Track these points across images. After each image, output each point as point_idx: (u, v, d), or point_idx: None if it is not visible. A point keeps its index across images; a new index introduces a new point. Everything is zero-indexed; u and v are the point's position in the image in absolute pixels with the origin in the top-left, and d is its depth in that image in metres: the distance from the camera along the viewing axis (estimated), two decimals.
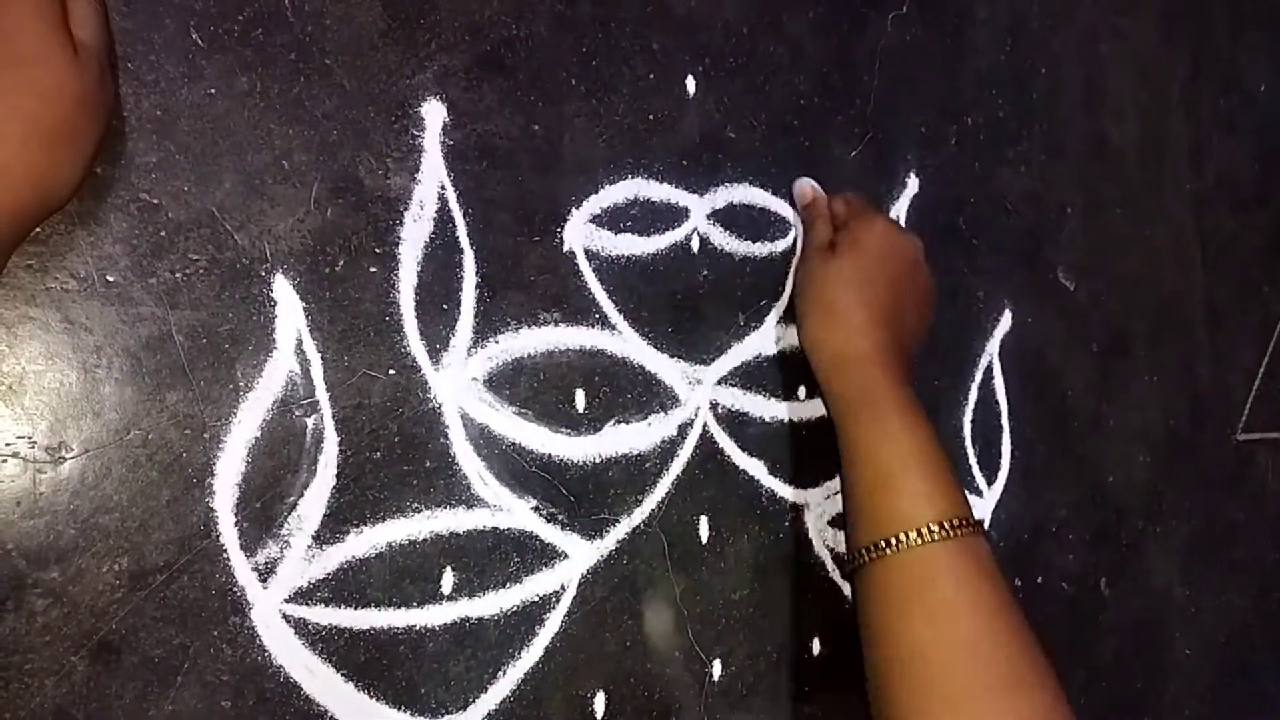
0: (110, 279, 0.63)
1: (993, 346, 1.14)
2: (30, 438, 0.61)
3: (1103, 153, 1.30)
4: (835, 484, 0.98)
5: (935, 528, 0.75)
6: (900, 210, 1.06)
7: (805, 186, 0.95)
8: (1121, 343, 1.29)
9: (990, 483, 1.13)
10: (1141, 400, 1.32)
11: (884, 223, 0.88)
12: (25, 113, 0.53)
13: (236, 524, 0.66)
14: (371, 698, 0.71)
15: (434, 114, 0.75)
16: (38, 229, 0.61)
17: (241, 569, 0.66)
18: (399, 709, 0.72)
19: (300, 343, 0.68)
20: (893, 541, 0.76)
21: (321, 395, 0.69)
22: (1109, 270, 1.29)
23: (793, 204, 0.96)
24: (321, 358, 0.69)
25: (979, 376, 1.12)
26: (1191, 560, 1.36)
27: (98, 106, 0.57)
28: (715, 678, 0.89)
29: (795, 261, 0.95)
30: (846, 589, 0.99)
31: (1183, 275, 1.40)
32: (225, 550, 0.65)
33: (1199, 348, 1.40)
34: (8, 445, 0.60)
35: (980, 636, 0.72)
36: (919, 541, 0.74)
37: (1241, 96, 1.48)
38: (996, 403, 1.14)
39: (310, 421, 0.69)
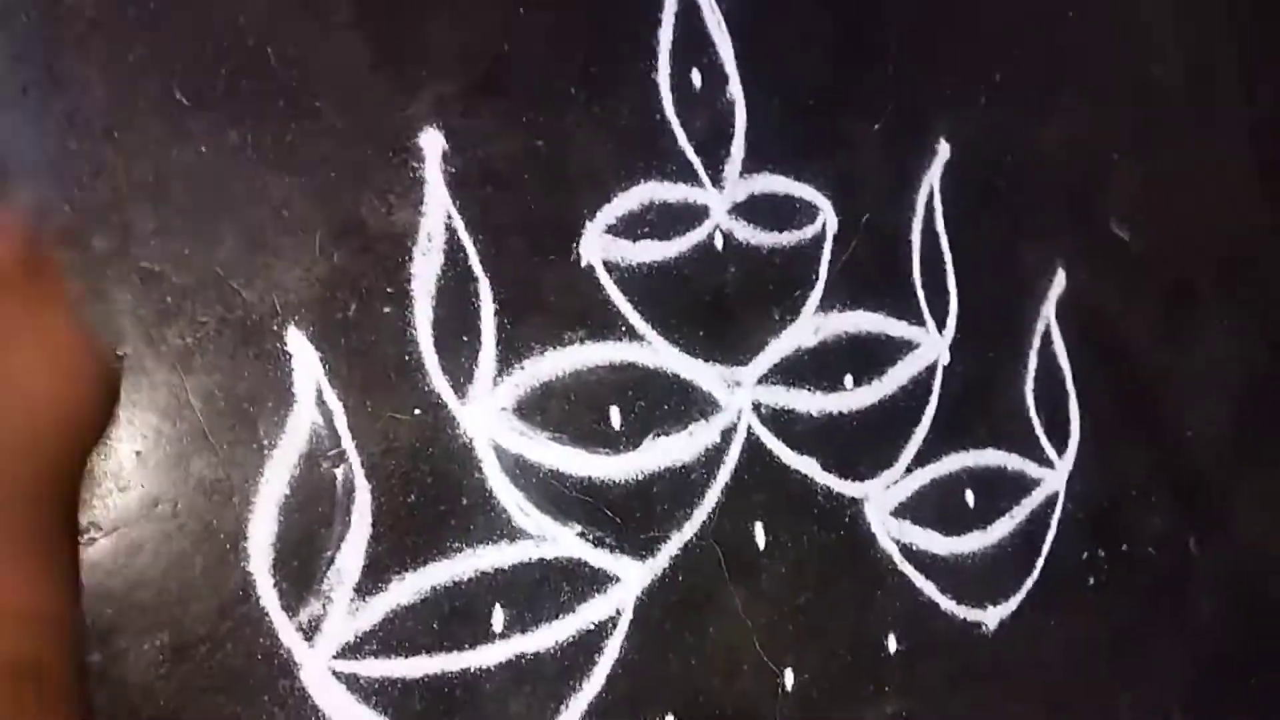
0: (120, 352, 0.62)
1: (1049, 310, 1.08)
2: None
3: (1146, 92, 1.23)
4: (896, 472, 0.94)
5: None
6: (934, 178, 1.01)
7: None
8: (1187, 289, 1.22)
9: (1061, 452, 1.07)
10: (1215, 347, 1.24)
11: None
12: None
13: (275, 585, 0.65)
14: None
15: (432, 143, 0.73)
16: None
17: (286, 630, 0.65)
18: None
19: (320, 393, 0.67)
20: None
21: (348, 444, 0.68)
22: (1165, 214, 1.22)
23: (818, 187, 0.92)
24: (344, 406, 0.68)
25: (1037, 343, 1.07)
26: None
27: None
28: (788, 688, 0.86)
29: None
30: (919, 580, 0.95)
31: (1245, 209, 1.32)
32: (267, 613, 0.64)
33: (1271, 283, 1.32)
34: None
35: None
36: None
37: None
38: (1059, 368, 1.08)
39: (339, 472, 0.67)
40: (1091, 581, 1.08)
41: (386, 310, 0.70)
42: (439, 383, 0.72)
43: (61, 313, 0.56)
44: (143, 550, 0.62)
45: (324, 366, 0.67)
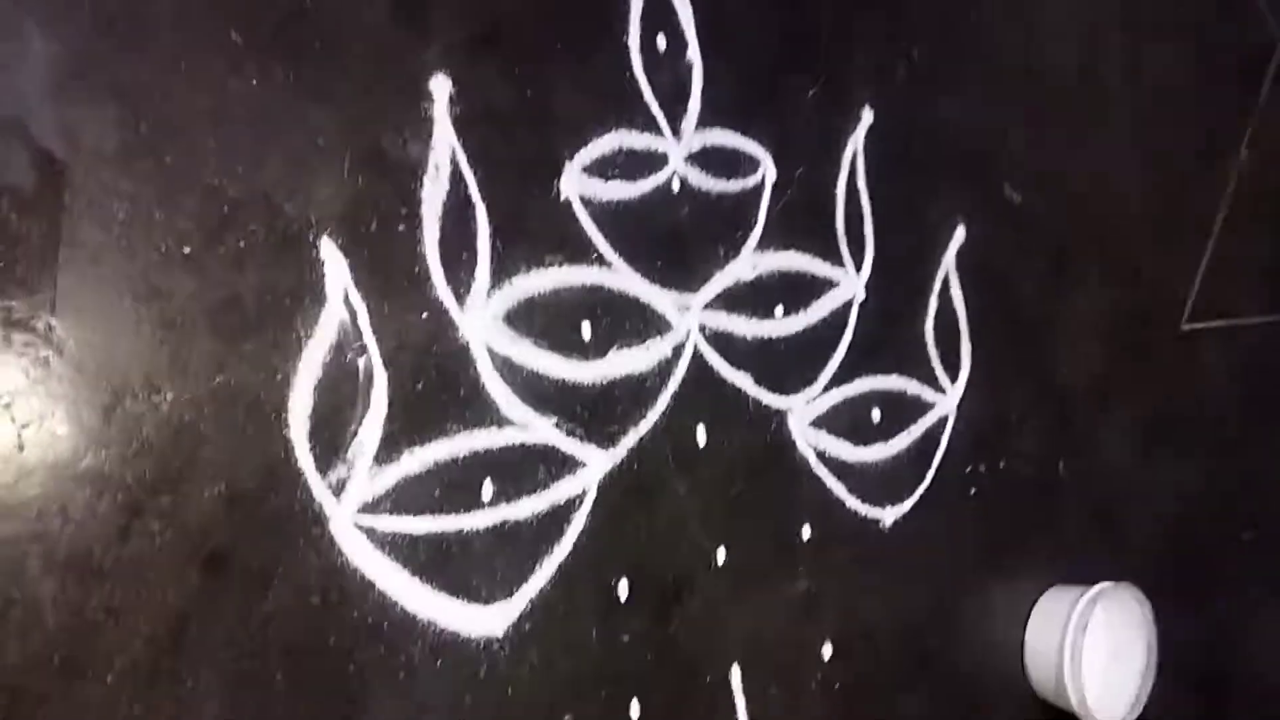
0: (186, 251, 0.74)
1: (949, 259, 1.26)
2: (133, 389, 0.72)
3: (1040, 74, 1.41)
4: (815, 390, 1.11)
5: None
6: (858, 140, 1.17)
7: None
8: (1067, 249, 1.42)
9: (953, 381, 1.26)
10: (1089, 300, 1.44)
11: None
12: None
13: (311, 450, 0.78)
14: (433, 590, 0.84)
15: (441, 88, 0.86)
16: (118, 211, 0.72)
17: (319, 488, 0.78)
18: (456, 598, 0.85)
19: (347, 295, 0.80)
20: None
21: (369, 339, 0.81)
22: (1052, 182, 1.40)
23: (761, 143, 1.07)
24: (366, 306, 0.81)
25: (938, 287, 1.24)
26: (1143, 442, 1.50)
27: None
28: (719, 563, 1.03)
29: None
30: (831, 481, 1.13)
31: (1123, 182, 1.51)
32: (304, 473, 0.78)
33: (1142, 248, 1.52)
34: (116, 397, 0.71)
35: None
36: None
37: (1176, 4, 1.58)
38: (955, 310, 1.27)
39: (362, 362, 0.80)
40: (973, 492, 1.27)
41: (401, 228, 0.83)
42: (443, 292, 0.85)
43: None
44: (204, 415, 0.74)
45: (351, 272, 0.80)
